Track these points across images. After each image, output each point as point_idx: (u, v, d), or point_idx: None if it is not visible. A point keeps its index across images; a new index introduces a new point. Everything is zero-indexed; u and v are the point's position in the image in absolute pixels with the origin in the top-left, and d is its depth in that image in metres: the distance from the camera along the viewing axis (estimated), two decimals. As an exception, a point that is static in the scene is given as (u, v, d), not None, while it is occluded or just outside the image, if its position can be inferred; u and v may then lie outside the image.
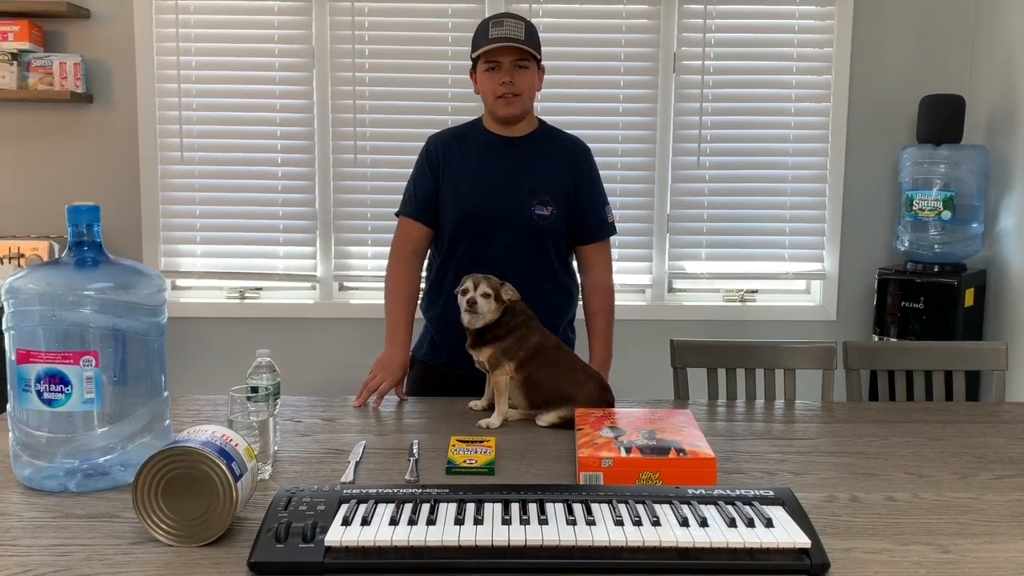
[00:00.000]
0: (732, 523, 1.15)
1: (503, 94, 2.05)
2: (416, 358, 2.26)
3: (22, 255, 3.21)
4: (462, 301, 1.78)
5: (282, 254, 3.44)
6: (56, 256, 3.19)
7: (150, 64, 3.31)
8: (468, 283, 1.79)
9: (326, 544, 1.09)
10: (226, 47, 3.34)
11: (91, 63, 3.30)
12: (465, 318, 1.79)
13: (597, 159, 2.24)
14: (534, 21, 2.56)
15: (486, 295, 1.77)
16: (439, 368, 2.19)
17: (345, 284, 3.49)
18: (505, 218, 2.10)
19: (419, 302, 2.26)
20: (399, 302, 2.14)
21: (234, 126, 3.37)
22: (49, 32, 3.28)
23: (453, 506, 1.19)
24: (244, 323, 3.42)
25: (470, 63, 2.13)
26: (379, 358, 2.06)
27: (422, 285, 2.22)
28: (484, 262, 2.02)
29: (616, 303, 2.25)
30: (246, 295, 3.47)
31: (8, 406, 1.39)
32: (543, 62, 2.13)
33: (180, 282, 3.47)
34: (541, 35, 2.13)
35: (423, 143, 2.21)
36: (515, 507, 1.19)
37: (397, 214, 2.20)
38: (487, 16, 2.08)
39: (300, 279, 3.45)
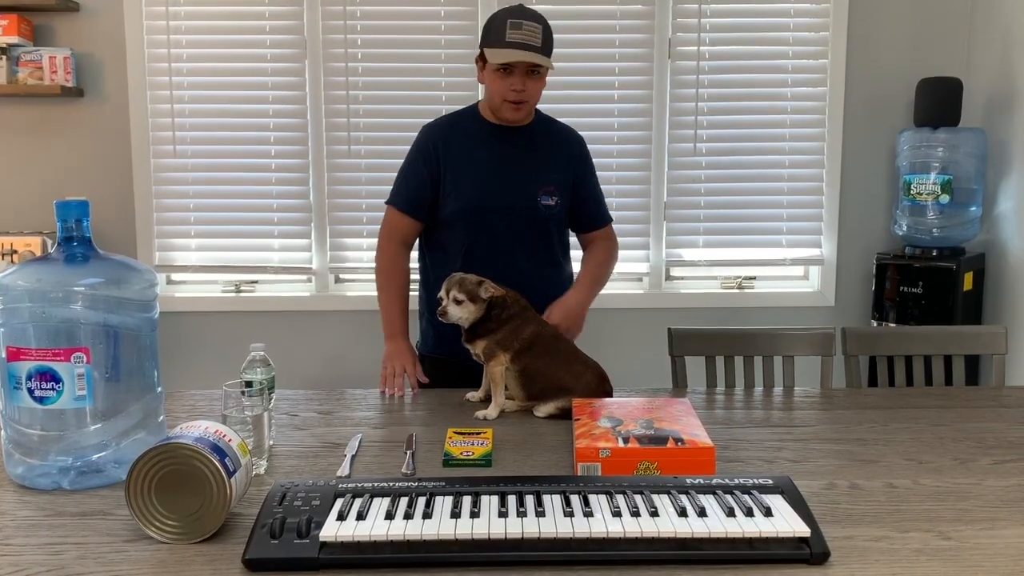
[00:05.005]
0: (731, 512, 1.14)
1: (512, 100, 2.02)
2: (421, 353, 2.25)
3: (15, 251, 3.19)
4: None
5: (277, 247, 3.42)
6: (49, 252, 3.17)
7: (141, 57, 3.28)
8: (442, 290, 1.78)
9: (321, 539, 1.08)
10: (217, 39, 3.31)
11: (81, 56, 3.27)
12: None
13: (592, 147, 2.23)
14: (528, 5, 2.53)
15: (458, 301, 1.76)
16: (442, 359, 2.17)
17: (341, 276, 3.48)
18: (510, 208, 2.08)
19: (418, 295, 2.24)
20: (392, 294, 2.13)
21: (227, 118, 3.34)
22: (38, 26, 3.25)
23: (449, 499, 1.18)
24: (240, 316, 3.41)
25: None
26: (384, 354, 2.04)
27: (415, 276, 2.21)
28: (488, 252, 2.01)
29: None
30: (241, 288, 3.45)
31: (-1, 404, 1.37)
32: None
33: (175, 276, 3.45)
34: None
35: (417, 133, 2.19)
36: (512, 499, 1.18)
37: (387, 203, 2.17)
38: (506, 6, 2.00)
39: (295, 271, 3.44)
